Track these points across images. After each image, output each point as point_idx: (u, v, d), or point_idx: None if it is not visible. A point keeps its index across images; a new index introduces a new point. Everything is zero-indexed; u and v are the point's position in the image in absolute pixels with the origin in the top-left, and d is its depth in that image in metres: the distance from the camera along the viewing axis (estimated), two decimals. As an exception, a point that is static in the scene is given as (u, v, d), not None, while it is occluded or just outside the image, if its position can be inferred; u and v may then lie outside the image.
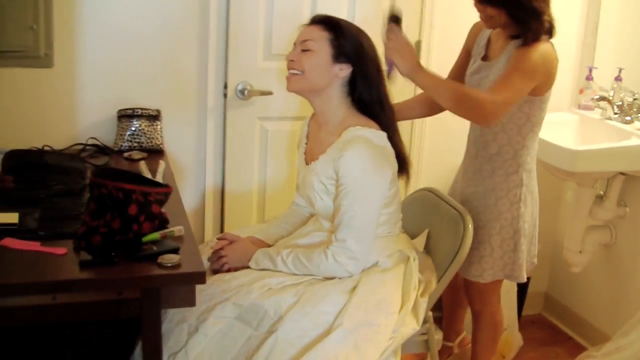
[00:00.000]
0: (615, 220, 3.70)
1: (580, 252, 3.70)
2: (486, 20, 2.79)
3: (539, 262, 3.77)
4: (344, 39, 2.54)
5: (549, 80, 2.82)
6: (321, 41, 2.54)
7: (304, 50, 2.55)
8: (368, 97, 2.58)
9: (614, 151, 3.36)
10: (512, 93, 2.68)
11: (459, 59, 3.13)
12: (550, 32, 2.79)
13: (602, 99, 3.68)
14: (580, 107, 3.89)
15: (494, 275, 2.96)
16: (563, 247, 3.79)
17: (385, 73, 2.67)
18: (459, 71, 3.07)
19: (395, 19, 2.69)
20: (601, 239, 3.73)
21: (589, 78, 3.86)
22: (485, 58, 2.93)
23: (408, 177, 2.69)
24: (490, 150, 2.90)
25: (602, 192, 3.65)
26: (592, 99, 3.79)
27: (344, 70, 2.54)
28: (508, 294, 3.62)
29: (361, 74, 2.55)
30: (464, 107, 2.69)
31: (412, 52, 2.69)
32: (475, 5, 2.78)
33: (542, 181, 3.84)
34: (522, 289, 3.88)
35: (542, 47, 2.73)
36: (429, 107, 3.10)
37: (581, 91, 3.90)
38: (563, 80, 3.93)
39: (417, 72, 2.67)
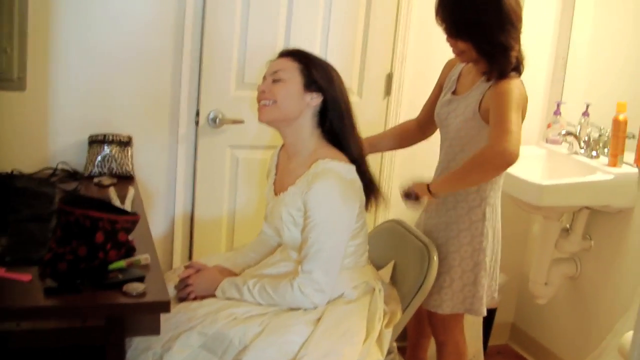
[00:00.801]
0: (580, 253, 3.74)
1: (546, 284, 3.75)
2: (458, 54, 2.84)
3: (506, 293, 3.82)
4: (314, 68, 2.59)
5: (524, 110, 2.86)
6: (292, 71, 2.58)
7: (275, 81, 2.58)
8: (338, 127, 2.62)
9: (579, 186, 3.40)
10: (514, 125, 2.65)
11: (433, 93, 3.16)
12: (518, 68, 2.82)
13: (569, 133, 3.72)
14: (547, 141, 3.95)
15: (453, 307, 2.96)
16: (529, 279, 3.82)
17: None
18: (432, 106, 3.09)
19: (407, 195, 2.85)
20: (567, 271, 3.77)
21: (556, 113, 3.92)
22: (455, 92, 2.97)
23: (377, 206, 2.73)
24: None
25: (567, 226, 3.70)
26: (560, 133, 3.83)
27: (315, 99, 2.58)
28: (474, 324, 3.67)
29: (332, 102, 2.59)
30: (488, 173, 2.74)
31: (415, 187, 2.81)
32: (447, 40, 2.83)
33: (509, 214, 3.89)
34: (488, 319, 3.91)
35: (514, 82, 2.76)
36: (402, 139, 3.18)
37: (549, 126, 3.96)
38: (531, 114, 3.95)
39: (433, 192, 2.78)
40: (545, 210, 3.57)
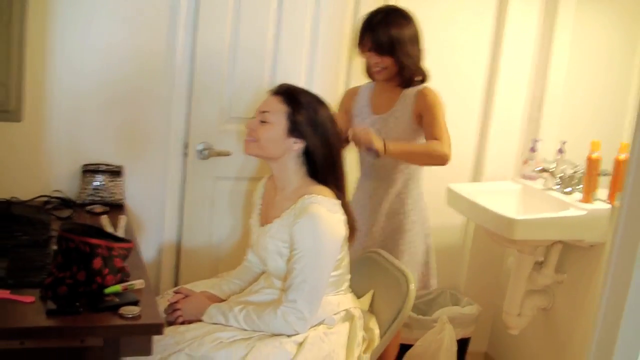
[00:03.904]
0: (553, 286, 3.77)
1: (519, 315, 3.77)
2: (380, 71, 3.27)
3: (480, 322, 3.90)
4: (301, 115, 2.66)
5: None
6: (279, 115, 2.67)
7: (262, 121, 2.69)
8: (322, 169, 2.72)
9: (552, 221, 3.44)
10: (446, 132, 3.22)
11: (340, 119, 3.36)
12: (425, 78, 3.36)
13: (545, 170, 3.78)
14: (523, 177, 4.01)
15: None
16: (503, 310, 3.85)
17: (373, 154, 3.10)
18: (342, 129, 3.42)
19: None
20: (540, 303, 3.80)
21: (532, 150, 3.99)
22: (375, 112, 3.36)
23: (352, 241, 2.83)
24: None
25: (541, 259, 3.72)
26: (535, 170, 3.89)
27: (298, 144, 2.68)
28: (448, 351, 3.75)
29: (313, 148, 2.69)
30: (430, 158, 3.21)
31: (374, 137, 3.09)
32: (372, 57, 3.26)
33: (484, 245, 4.02)
34: (461, 348, 3.99)
35: (431, 89, 3.30)
36: None
37: (525, 162, 4.03)
38: (508, 150, 4.14)
39: (387, 144, 3.10)
40: (519, 244, 3.60)
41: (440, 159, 3.17)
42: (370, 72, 3.38)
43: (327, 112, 2.74)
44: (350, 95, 3.52)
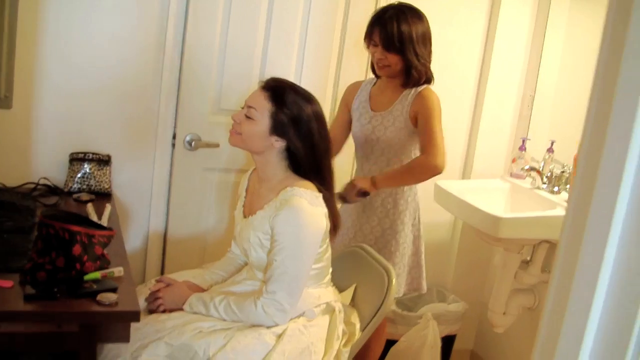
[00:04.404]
0: (539, 285, 3.77)
1: (504, 313, 3.77)
2: (383, 67, 3.25)
3: (466, 320, 3.89)
4: (284, 114, 2.66)
5: None
6: (263, 112, 2.67)
7: (247, 116, 2.69)
8: (304, 167, 2.72)
9: (538, 220, 3.44)
10: (440, 138, 3.20)
11: (340, 114, 3.52)
12: (430, 80, 3.30)
13: (533, 169, 3.78)
14: (512, 175, 4.02)
15: (406, 288, 3.48)
16: (488, 308, 3.86)
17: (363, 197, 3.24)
18: (341, 124, 3.50)
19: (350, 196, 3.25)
20: (525, 302, 3.80)
21: (521, 148, 4.00)
22: (373, 110, 3.34)
23: (334, 236, 2.84)
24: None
25: (528, 258, 3.73)
26: (523, 168, 3.90)
27: (279, 142, 2.68)
28: (433, 348, 3.76)
29: (295, 148, 2.68)
30: (422, 174, 3.24)
31: (359, 181, 3.21)
32: (377, 52, 3.23)
33: (471, 243, 4.02)
34: (447, 345, 4.01)
35: (432, 91, 3.28)
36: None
37: (514, 160, 4.04)
38: (497, 149, 4.15)
39: (375, 181, 3.21)
40: (505, 242, 3.60)
41: (431, 172, 3.20)
42: (374, 68, 3.36)
43: (313, 111, 2.72)
44: (352, 90, 3.50)
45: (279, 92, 2.70)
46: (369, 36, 3.25)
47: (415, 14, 3.22)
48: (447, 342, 4.02)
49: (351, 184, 3.23)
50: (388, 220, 3.35)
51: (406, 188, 3.35)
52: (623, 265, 0.94)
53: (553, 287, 1.07)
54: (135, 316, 2.25)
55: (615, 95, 1.03)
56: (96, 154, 3.45)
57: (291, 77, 3.60)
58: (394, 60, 3.20)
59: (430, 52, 3.27)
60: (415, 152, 3.32)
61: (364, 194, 3.21)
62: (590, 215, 1.01)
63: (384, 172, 3.27)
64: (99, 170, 3.42)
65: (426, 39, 3.24)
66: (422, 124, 3.21)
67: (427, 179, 3.26)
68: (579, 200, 1.06)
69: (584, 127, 1.10)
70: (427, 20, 3.25)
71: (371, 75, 3.47)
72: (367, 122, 3.33)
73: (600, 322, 0.97)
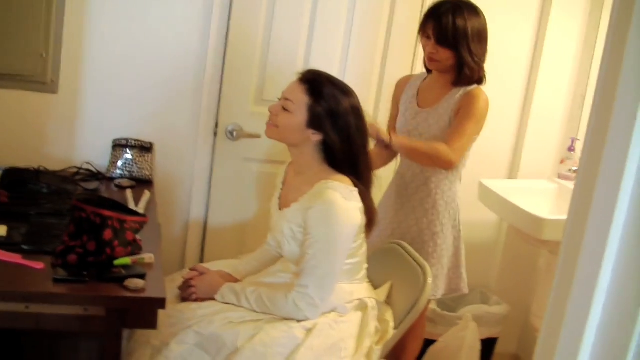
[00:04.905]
0: None
1: None
2: (433, 61, 3.15)
3: (509, 323, 3.83)
4: (322, 108, 2.63)
5: (484, 121, 3.20)
6: (300, 105, 2.65)
7: (284, 108, 2.68)
8: (340, 161, 2.69)
9: None
10: (466, 139, 3.11)
11: (393, 110, 3.45)
12: (481, 80, 3.20)
13: None
14: (560, 176, 3.97)
15: (445, 289, 3.38)
16: (531, 311, 3.82)
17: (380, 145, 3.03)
18: (396, 119, 3.40)
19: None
20: None
21: (570, 149, 3.95)
22: (419, 105, 3.26)
23: (370, 232, 2.81)
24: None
25: None
26: (571, 170, 3.86)
27: (316, 136, 2.66)
28: (470, 351, 3.71)
29: (332, 142, 2.65)
30: (433, 161, 3.12)
31: (379, 129, 3.02)
32: (429, 46, 3.13)
33: (516, 245, 3.94)
34: (488, 348, 3.95)
35: (483, 93, 3.13)
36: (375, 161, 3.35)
37: (562, 161, 3.99)
38: (545, 149, 4.08)
39: (391, 143, 3.03)
40: (550, 245, 3.54)
41: (443, 163, 3.11)
42: (425, 62, 3.28)
43: (350, 104, 2.68)
44: (401, 85, 3.43)
45: (317, 84, 2.67)
46: (423, 29, 3.17)
47: (472, 10, 3.12)
48: (488, 345, 3.96)
49: (372, 125, 3.03)
50: (426, 220, 3.26)
51: (446, 189, 3.25)
52: (623, 266, 0.90)
53: (554, 288, 1.04)
54: (161, 303, 2.25)
55: (616, 98, 0.99)
56: (139, 140, 3.48)
57: (335, 70, 3.57)
58: (445, 55, 3.11)
59: (485, 51, 3.17)
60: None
61: (382, 143, 3.06)
62: (590, 216, 0.98)
63: (405, 138, 3.17)
64: (140, 157, 3.45)
65: (482, 36, 3.13)
66: (457, 120, 3.12)
67: (434, 166, 3.17)
68: (580, 201, 1.03)
69: (586, 131, 1.07)
70: (484, 18, 3.15)
71: (420, 70, 3.42)
72: (411, 117, 3.27)
73: (600, 322, 0.94)
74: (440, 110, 3.18)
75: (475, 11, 3.12)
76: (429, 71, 3.31)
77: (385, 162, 3.40)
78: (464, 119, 3.10)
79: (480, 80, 3.18)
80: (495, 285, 4.27)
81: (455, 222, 3.33)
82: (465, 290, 3.43)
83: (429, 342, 3.72)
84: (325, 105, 2.64)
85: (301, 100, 2.65)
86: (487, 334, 3.96)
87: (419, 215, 3.27)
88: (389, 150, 3.14)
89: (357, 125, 2.68)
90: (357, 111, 2.70)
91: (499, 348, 4.13)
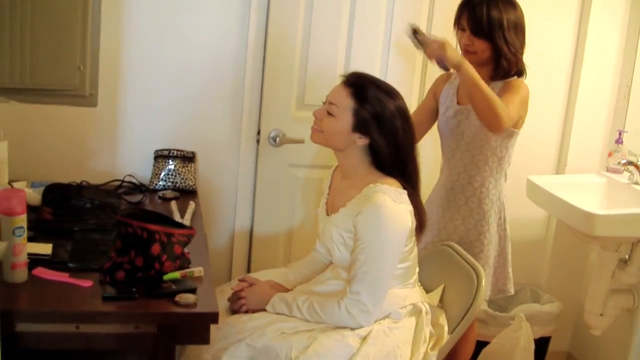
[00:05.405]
0: (638, 285, 3.62)
1: (602, 315, 3.64)
2: (469, 53, 3.09)
3: (562, 321, 3.76)
4: (367, 111, 2.58)
5: (526, 114, 3.14)
6: (345, 109, 2.60)
7: (329, 113, 2.63)
8: (387, 165, 2.64)
9: (636, 217, 3.30)
10: (514, 111, 2.99)
11: (426, 102, 3.37)
12: (521, 73, 3.15)
13: (630, 163, 3.66)
14: (608, 170, 3.90)
15: (491, 290, 3.33)
16: (584, 309, 3.73)
17: (442, 69, 2.99)
18: (424, 112, 3.35)
19: (415, 32, 2.97)
20: (623, 303, 3.66)
21: (618, 141, 3.87)
22: (460, 102, 3.20)
23: (420, 236, 2.77)
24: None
25: (626, 257, 3.59)
26: (620, 162, 3.78)
27: (362, 140, 2.60)
28: (525, 351, 3.65)
29: (378, 146, 2.60)
30: (488, 106, 2.89)
31: (449, 50, 2.90)
32: (464, 37, 3.09)
33: (567, 242, 3.88)
34: (541, 347, 3.89)
35: (523, 82, 3.13)
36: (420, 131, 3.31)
37: (610, 154, 3.92)
38: (592, 142, 4.01)
39: (464, 61, 2.91)
40: (602, 240, 3.47)
41: (496, 118, 2.89)
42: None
43: (396, 107, 2.63)
44: (443, 80, 3.37)
45: (361, 88, 2.62)
46: (457, 21, 3.13)
47: (507, 1, 3.08)
48: (542, 344, 3.90)
49: (439, 42, 2.92)
50: (472, 219, 3.21)
51: (491, 187, 3.19)
52: None
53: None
54: (214, 318, 2.21)
55: None
56: (181, 150, 3.46)
57: (376, 72, 3.53)
58: (481, 46, 3.06)
59: (523, 42, 3.11)
60: (502, 150, 3.16)
61: (443, 65, 2.98)
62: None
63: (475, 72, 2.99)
64: (183, 167, 3.42)
65: (518, 27, 3.08)
66: (504, 95, 3.00)
67: (486, 118, 2.92)
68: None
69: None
70: (520, 9, 3.10)
71: None
72: (452, 116, 3.21)
73: None
74: None
75: (510, 1, 3.09)
76: None
77: (422, 135, 3.33)
78: (508, 94, 3.01)
79: (519, 72, 3.13)
80: (545, 283, 4.20)
81: (501, 221, 3.27)
82: (511, 290, 3.37)
83: (480, 344, 3.66)
84: (370, 109, 2.59)
85: (346, 104, 2.61)
86: (540, 333, 3.91)
87: (464, 214, 3.22)
88: (447, 71, 3.13)
89: (403, 128, 2.63)
90: (403, 113, 2.64)
91: (552, 347, 4.07)
